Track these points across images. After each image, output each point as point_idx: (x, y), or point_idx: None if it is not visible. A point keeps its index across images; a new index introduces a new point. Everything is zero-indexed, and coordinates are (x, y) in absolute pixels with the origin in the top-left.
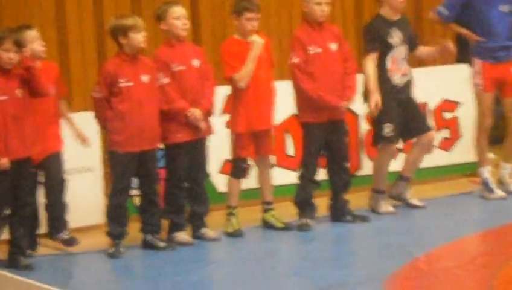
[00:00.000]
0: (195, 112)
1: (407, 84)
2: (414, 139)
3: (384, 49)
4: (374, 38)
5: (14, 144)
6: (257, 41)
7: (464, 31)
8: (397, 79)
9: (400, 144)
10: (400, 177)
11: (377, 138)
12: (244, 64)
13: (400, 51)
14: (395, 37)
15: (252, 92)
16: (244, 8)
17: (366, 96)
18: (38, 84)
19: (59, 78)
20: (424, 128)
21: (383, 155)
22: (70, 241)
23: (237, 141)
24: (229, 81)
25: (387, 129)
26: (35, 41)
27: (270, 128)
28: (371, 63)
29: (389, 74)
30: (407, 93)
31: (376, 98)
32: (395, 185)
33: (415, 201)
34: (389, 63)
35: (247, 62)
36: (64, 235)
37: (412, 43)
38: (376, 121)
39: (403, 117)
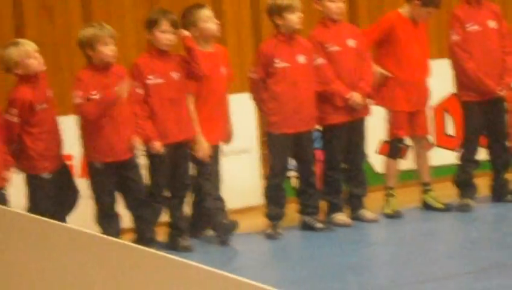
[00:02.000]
0: (356, 97)
1: None
2: None
3: None
4: None
5: (172, 127)
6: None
7: None
8: None
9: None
10: None
11: None
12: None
13: None
14: None
15: (406, 70)
16: (432, 3)
17: None
18: (196, 66)
19: (228, 60)
20: None
21: None
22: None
23: (394, 121)
24: None
25: None
26: (208, 20)
27: (425, 108)
28: None
29: None
30: None
31: None
32: None
33: None
34: None
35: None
36: None
37: None
38: None
39: None
